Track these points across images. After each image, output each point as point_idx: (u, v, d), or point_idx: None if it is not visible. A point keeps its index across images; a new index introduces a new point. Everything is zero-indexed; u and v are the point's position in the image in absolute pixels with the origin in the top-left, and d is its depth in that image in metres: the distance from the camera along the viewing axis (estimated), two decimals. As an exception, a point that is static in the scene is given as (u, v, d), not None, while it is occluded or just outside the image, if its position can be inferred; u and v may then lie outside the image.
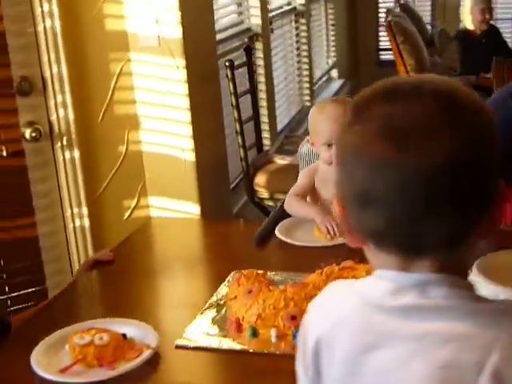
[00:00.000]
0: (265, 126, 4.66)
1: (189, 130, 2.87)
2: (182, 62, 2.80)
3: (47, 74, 2.67)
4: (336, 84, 6.92)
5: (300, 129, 5.16)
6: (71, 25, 2.69)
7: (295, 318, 1.56)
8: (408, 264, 0.87)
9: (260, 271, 1.72)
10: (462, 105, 0.85)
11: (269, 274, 1.79)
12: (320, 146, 2.20)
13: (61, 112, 2.72)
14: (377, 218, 0.85)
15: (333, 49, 6.99)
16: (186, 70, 2.81)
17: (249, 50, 3.34)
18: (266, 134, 4.67)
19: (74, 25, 2.70)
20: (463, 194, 0.82)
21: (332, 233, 2.06)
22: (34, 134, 2.65)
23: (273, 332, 1.57)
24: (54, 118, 2.72)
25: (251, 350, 1.54)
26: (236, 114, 2.96)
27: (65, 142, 2.75)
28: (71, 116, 2.73)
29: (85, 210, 2.83)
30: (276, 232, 2.09)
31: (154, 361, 1.53)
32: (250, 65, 3.33)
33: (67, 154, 2.77)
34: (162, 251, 2.26)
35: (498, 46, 5.22)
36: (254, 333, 1.58)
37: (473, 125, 0.84)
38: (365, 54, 7.51)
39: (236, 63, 3.19)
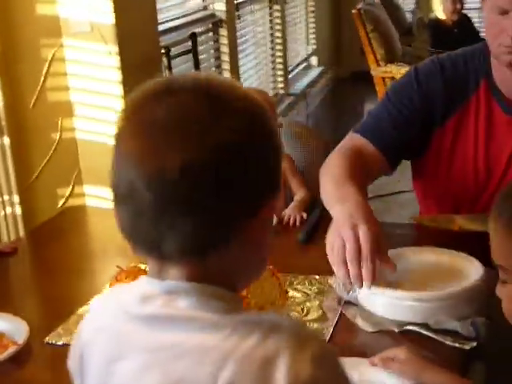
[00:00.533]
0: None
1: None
2: (114, 48, 2.75)
3: (-26, 57, 2.63)
4: (315, 71, 6.85)
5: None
6: (1, 9, 2.64)
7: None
8: (162, 270, 0.82)
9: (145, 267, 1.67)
10: (221, 94, 0.80)
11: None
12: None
13: (-11, 97, 2.67)
14: (121, 215, 0.81)
15: (312, 36, 6.92)
16: (118, 57, 2.76)
17: (194, 37, 3.29)
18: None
19: (4, 9, 2.65)
20: (203, 199, 0.77)
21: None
22: (-40, 120, 2.61)
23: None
24: (-18, 103, 2.67)
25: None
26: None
27: (-7, 127, 2.70)
28: (0, 101, 2.68)
29: (16, 198, 2.79)
30: None
31: (21, 358, 1.49)
32: (194, 52, 3.27)
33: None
34: (72, 242, 2.21)
35: (470, 36, 5.15)
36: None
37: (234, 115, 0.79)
38: (348, 41, 7.42)
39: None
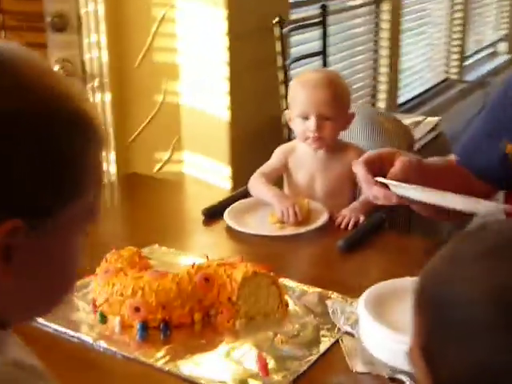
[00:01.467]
0: (381, 96, 4.35)
1: (226, 86, 2.69)
2: (225, 13, 2.60)
3: (83, 11, 2.59)
4: (501, 59, 6.31)
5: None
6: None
7: (139, 310, 1.38)
8: None
9: (138, 250, 1.54)
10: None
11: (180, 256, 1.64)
12: (295, 118, 1.95)
13: (95, 53, 2.64)
14: None
15: (505, 20, 6.37)
16: (228, 22, 2.61)
17: (324, 8, 3.07)
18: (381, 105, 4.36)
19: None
20: None
21: (287, 219, 1.82)
22: (61, 72, 2.59)
23: (117, 321, 1.40)
24: (87, 57, 2.64)
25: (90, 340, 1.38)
26: (281, 75, 2.72)
27: (96, 84, 2.67)
28: (105, 57, 2.65)
29: (113, 156, 2.76)
30: (224, 215, 1.87)
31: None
32: (324, 25, 3.05)
33: (98, 97, 2.69)
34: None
35: None
36: (102, 318, 1.42)
37: None
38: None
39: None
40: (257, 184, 1.95)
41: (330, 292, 1.48)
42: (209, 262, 1.47)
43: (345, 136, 2.11)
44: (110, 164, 2.76)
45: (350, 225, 1.83)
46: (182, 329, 1.38)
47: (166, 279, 1.40)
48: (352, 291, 1.44)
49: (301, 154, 2.00)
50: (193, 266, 1.44)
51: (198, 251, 1.69)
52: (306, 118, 1.92)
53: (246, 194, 1.99)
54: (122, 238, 1.81)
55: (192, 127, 2.81)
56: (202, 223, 1.89)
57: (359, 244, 1.71)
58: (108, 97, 2.69)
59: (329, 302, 1.42)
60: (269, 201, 1.89)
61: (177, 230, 1.90)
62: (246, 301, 1.41)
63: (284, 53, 2.73)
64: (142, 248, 1.63)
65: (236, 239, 1.80)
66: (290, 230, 1.80)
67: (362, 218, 1.84)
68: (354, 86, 3.87)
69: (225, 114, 2.71)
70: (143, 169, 2.82)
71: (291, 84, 1.99)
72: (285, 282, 1.51)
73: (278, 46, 2.73)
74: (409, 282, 1.30)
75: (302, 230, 1.80)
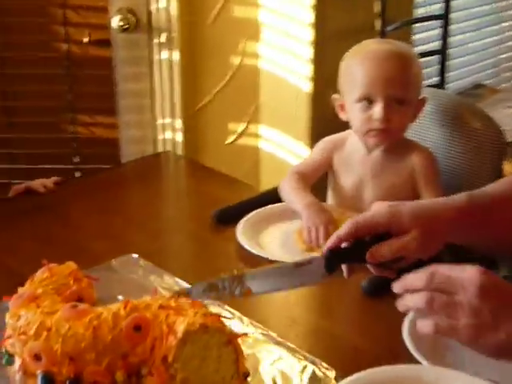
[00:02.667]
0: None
1: (309, 51, 2.25)
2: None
3: (151, -46, 2.25)
4: None
5: None
6: None
7: (40, 359, 1.04)
8: None
9: (76, 269, 1.18)
10: None
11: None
12: (352, 104, 1.49)
13: (163, 3, 2.29)
14: None
15: None
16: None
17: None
18: None
19: None
20: None
21: (312, 241, 1.40)
22: (121, 24, 2.27)
23: (17, 365, 1.06)
24: (153, 8, 2.30)
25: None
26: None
27: (163, 39, 2.33)
28: (175, 9, 2.29)
29: (179, 123, 2.42)
30: (237, 228, 1.47)
31: None
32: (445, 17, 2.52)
33: (165, 54, 2.35)
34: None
35: None
36: (7, 358, 1.09)
37: None
38: None
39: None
40: (288, 186, 1.53)
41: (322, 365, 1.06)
42: (151, 300, 1.08)
43: (412, 130, 1.65)
44: (175, 132, 2.43)
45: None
46: (98, 390, 1.02)
47: (81, 320, 1.04)
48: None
49: (349, 151, 1.55)
50: (125, 305, 1.06)
51: (187, 271, 1.31)
52: (369, 102, 1.46)
53: (275, 197, 1.57)
54: (98, 238, 1.46)
55: (272, 96, 2.40)
56: (209, 230, 1.51)
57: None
58: (176, 55, 2.34)
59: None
60: (298, 211, 1.47)
61: (173, 237, 1.52)
62: (187, 364, 1.02)
63: (384, 14, 2.24)
64: (116, 256, 1.29)
65: (246, 261, 1.39)
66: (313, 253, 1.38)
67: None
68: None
69: (306, 87, 2.28)
70: (213, 140, 2.46)
71: (343, 59, 1.52)
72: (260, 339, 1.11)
73: (377, 6, 2.24)
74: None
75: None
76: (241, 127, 2.46)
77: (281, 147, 2.42)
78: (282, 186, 1.54)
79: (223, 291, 1.04)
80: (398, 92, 1.45)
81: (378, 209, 1.01)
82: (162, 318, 1.05)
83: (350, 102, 1.49)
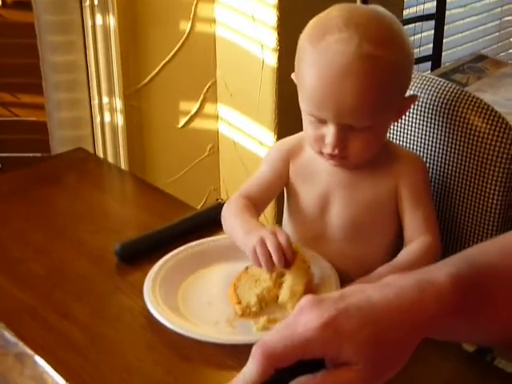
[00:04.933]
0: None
1: (273, 17, 1.83)
2: None
3: None
4: None
5: None
6: None
7: None
8: None
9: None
10: None
11: None
12: (303, 110, 1.08)
13: (93, -45, 1.86)
14: None
15: None
16: None
17: None
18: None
19: None
20: None
21: (264, 264, 0.99)
22: (43, -18, 1.84)
23: None
24: (82, -38, 1.87)
25: None
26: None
27: (96, 1, 1.90)
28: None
29: (119, 103, 2.00)
30: (146, 281, 1.04)
31: None
32: None
33: (100, 19, 1.92)
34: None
35: None
36: None
37: None
38: None
39: None
40: (229, 214, 1.12)
41: None
42: None
43: (394, 130, 1.24)
44: (114, 113, 2.01)
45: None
46: None
47: None
48: None
49: (310, 157, 1.14)
50: None
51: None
52: (319, 120, 1.06)
53: (214, 222, 1.16)
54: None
55: (231, 70, 1.99)
56: (107, 274, 1.10)
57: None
58: (112, 21, 1.91)
59: None
60: (239, 244, 1.06)
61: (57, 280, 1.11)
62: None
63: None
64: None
65: (157, 334, 0.98)
66: (260, 333, 0.96)
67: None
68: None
69: (270, 58, 1.86)
70: (160, 124, 2.06)
71: (302, 34, 1.09)
72: None
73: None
74: None
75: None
76: (194, 107, 2.05)
77: (241, 132, 2.02)
78: (223, 214, 1.13)
79: None
80: (357, 121, 1.03)
81: (305, 321, 0.61)
82: None
83: (301, 104, 1.08)
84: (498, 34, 2.97)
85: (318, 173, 1.14)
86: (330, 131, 1.04)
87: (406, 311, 0.63)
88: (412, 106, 1.18)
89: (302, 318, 0.62)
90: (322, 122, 1.05)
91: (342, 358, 0.60)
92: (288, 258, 0.98)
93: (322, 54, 1.02)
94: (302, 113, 1.08)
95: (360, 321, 0.61)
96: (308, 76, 1.04)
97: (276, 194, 1.17)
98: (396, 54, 1.04)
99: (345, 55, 1.00)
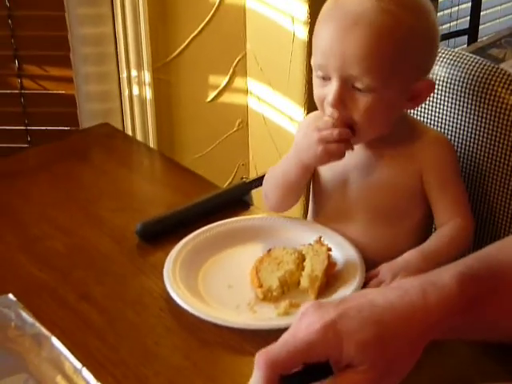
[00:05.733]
0: None
1: (305, -11, 1.78)
2: None
3: None
4: None
5: None
6: None
7: None
8: None
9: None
10: None
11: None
12: (314, 69, 1.05)
13: None
14: None
15: None
16: None
17: None
18: None
19: None
20: None
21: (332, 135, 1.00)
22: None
23: None
24: None
25: None
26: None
27: (125, -27, 1.87)
28: None
29: (147, 76, 1.98)
30: (167, 262, 1.03)
31: None
32: None
33: (128, -8, 1.89)
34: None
35: None
36: None
37: None
38: None
39: None
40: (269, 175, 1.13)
41: None
42: None
43: (422, 108, 1.20)
44: (143, 87, 1.99)
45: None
46: None
47: None
48: None
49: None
50: None
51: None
52: (324, 77, 1.02)
53: (238, 201, 1.14)
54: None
55: (261, 41, 1.95)
56: (129, 253, 1.09)
57: None
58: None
59: None
60: (288, 165, 1.09)
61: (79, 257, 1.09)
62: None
63: None
64: None
65: (175, 316, 0.96)
66: (281, 318, 0.94)
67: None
68: None
69: (301, 32, 1.82)
70: (189, 97, 2.03)
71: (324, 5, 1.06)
72: None
73: None
74: None
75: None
76: (223, 81, 2.02)
77: (271, 106, 1.98)
78: (265, 180, 1.13)
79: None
80: (361, 75, 0.98)
81: (306, 325, 0.60)
82: None
83: (312, 62, 1.04)
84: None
85: None
86: (332, 87, 1.00)
87: (409, 317, 0.62)
88: (442, 84, 1.13)
89: (303, 323, 0.62)
90: (327, 79, 1.01)
91: (345, 359, 0.59)
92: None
93: (339, 4, 0.99)
94: (313, 74, 1.05)
95: (360, 321, 0.61)
96: (322, 26, 1.02)
97: (311, 173, 1.13)
98: (417, 20, 1.00)
99: (362, 6, 0.97)
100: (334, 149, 1.00)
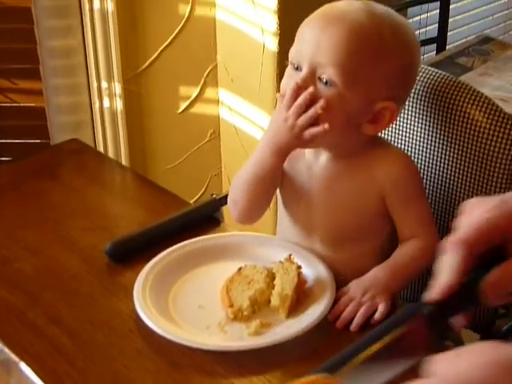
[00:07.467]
0: None
1: (273, 1, 1.78)
2: None
3: None
4: None
5: None
6: None
7: None
8: None
9: None
10: None
11: None
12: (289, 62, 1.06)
13: None
14: None
15: None
16: None
17: None
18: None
19: None
20: None
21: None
22: (37, -34, 1.80)
23: None
24: None
25: None
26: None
27: (93, -15, 1.86)
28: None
29: (118, 88, 1.97)
30: (136, 282, 1.02)
31: None
32: None
33: (97, 3, 1.88)
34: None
35: None
36: None
37: None
38: None
39: None
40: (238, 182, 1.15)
41: None
42: None
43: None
44: (113, 98, 1.98)
45: (353, 323, 0.96)
46: None
47: None
48: None
49: (298, 151, 1.10)
50: None
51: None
52: (298, 67, 1.03)
53: (208, 218, 1.14)
54: None
55: (231, 52, 1.95)
56: (98, 274, 1.08)
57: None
58: (110, 4, 1.87)
59: None
60: (262, 155, 1.09)
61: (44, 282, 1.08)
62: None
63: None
64: None
65: (146, 340, 0.96)
66: (252, 338, 0.94)
67: (381, 309, 0.96)
68: None
69: (271, 43, 1.82)
70: (160, 109, 2.02)
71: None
72: None
73: None
74: None
75: (273, 336, 0.95)
76: (195, 92, 2.02)
77: (242, 117, 1.98)
78: (230, 195, 1.13)
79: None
80: (328, 63, 0.97)
81: (479, 211, 0.64)
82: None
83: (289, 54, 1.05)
84: (506, 12, 2.90)
85: (298, 170, 1.11)
86: (300, 74, 1.01)
87: None
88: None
89: (474, 212, 0.64)
90: (299, 69, 1.02)
91: None
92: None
93: (331, 5, 1.02)
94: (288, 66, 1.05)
95: None
96: (308, 20, 1.03)
97: (284, 159, 1.11)
98: (400, 48, 1.01)
99: (345, 8, 1.00)
100: (307, 119, 0.99)
